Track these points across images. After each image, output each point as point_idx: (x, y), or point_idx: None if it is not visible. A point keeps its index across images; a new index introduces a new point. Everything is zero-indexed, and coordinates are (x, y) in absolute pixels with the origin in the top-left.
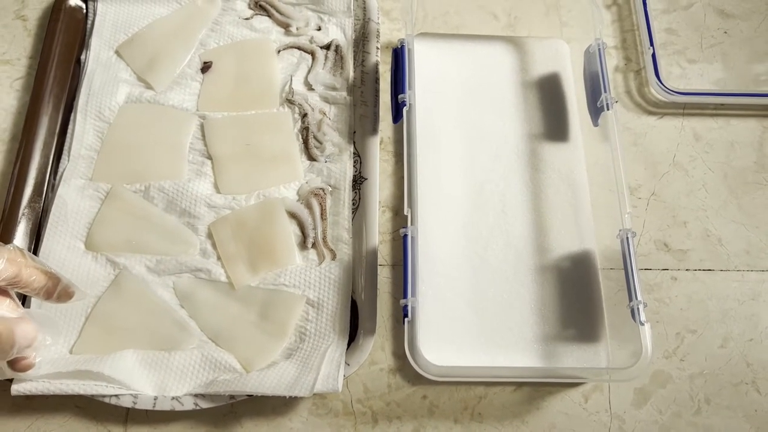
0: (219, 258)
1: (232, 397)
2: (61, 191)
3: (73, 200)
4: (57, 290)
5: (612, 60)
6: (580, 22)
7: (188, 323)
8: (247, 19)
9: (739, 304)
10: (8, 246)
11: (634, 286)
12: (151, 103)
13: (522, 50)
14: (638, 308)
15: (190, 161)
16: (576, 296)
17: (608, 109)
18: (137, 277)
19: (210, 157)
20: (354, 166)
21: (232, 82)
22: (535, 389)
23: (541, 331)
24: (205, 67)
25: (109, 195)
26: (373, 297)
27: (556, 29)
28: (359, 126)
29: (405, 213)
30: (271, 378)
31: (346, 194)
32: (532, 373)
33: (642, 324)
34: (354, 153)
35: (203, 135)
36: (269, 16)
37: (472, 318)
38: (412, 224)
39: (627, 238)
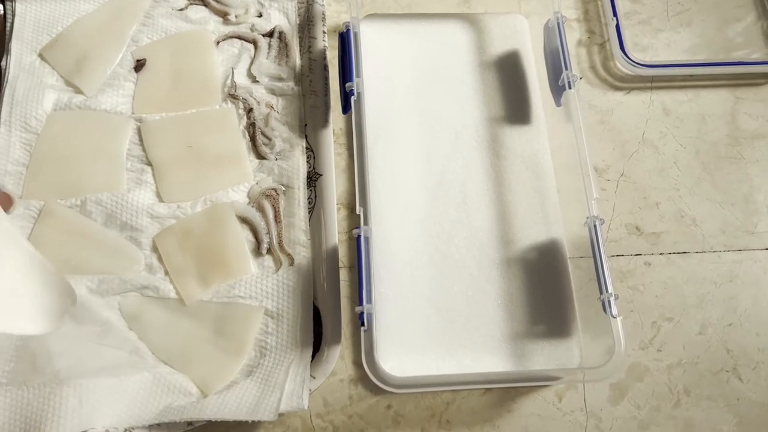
0: (166, 273)
1: (189, 423)
2: None
3: None
4: None
5: (574, 33)
6: None
7: (138, 346)
8: (181, 9)
9: (717, 287)
10: None
11: (604, 277)
12: (81, 109)
13: (478, 28)
14: (609, 301)
15: (129, 169)
16: (545, 289)
17: (570, 88)
18: (79, 299)
19: (150, 164)
20: (307, 161)
21: (168, 80)
22: (506, 391)
23: (509, 329)
24: (139, 66)
25: (42, 213)
26: (337, 303)
27: (514, 3)
28: (310, 118)
29: (357, 212)
30: (231, 401)
31: (301, 193)
32: (501, 377)
33: (614, 317)
34: (306, 148)
35: (141, 140)
36: (205, 5)
37: (435, 319)
38: (365, 224)
39: (595, 225)
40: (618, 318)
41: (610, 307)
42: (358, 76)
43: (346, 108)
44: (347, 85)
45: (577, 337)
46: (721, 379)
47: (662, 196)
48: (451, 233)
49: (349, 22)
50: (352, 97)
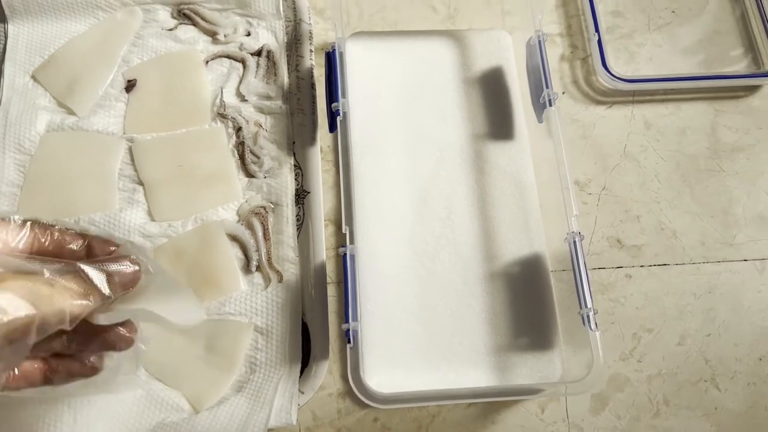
0: None
1: None
2: None
3: None
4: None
5: (557, 48)
6: (522, 10)
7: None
8: (171, 29)
9: (696, 298)
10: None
11: (584, 293)
12: (74, 129)
13: (463, 44)
14: (588, 316)
15: (121, 189)
16: (528, 303)
17: (551, 105)
18: None
19: (141, 183)
20: (295, 179)
21: (159, 100)
22: (490, 403)
23: (493, 343)
24: (130, 86)
25: None
26: (325, 319)
27: (498, 19)
28: (298, 136)
29: (343, 231)
30: (221, 418)
31: (289, 210)
32: (484, 392)
33: (593, 331)
34: (295, 165)
35: (132, 159)
36: (194, 24)
37: (421, 334)
38: (351, 242)
39: (575, 242)
40: (597, 332)
41: (589, 321)
42: (343, 96)
43: (332, 127)
44: (333, 105)
45: (559, 350)
46: (699, 389)
47: (643, 209)
48: (436, 249)
49: (334, 43)
50: (338, 117)
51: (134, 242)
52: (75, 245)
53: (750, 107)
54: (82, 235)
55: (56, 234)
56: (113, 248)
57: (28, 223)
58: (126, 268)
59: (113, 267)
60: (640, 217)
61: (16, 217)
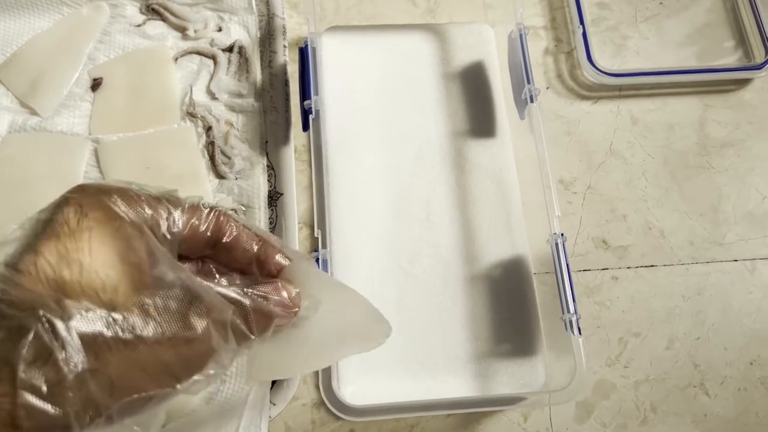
0: None
1: None
2: None
3: None
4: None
5: (541, 42)
6: (504, 2)
7: None
8: (139, 26)
9: (684, 300)
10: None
11: (566, 297)
12: (37, 131)
13: (443, 38)
14: (571, 321)
15: None
16: (510, 307)
17: (532, 102)
18: None
19: None
20: (268, 180)
21: (126, 99)
22: (471, 413)
23: (473, 349)
24: (95, 85)
25: None
26: None
27: (480, 12)
28: (271, 135)
29: (315, 235)
30: (188, 431)
31: (262, 213)
32: (464, 402)
33: (576, 335)
34: (267, 166)
35: (98, 162)
36: (163, 20)
37: (399, 340)
38: (323, 247)
39: (557, 244)
40: (580, 338)
41: (572, 326)
42: (316, 93)
43: (305, 126)
44: (305, 103)
45: (542, 355)
46: (688, 395)
47: (630, 207)
48: (414, 252)
49: (307, 38)
50: (311, 115)
51: (310, 259)
52: (248, 246)
53: (740, 101)
54: (258, 236)
55: (235, 229)
56: (286, 262)
57: (214, 212)
58: (284, 304)
59: (274, 297)
60: (626, 216)
61: (204, 202)
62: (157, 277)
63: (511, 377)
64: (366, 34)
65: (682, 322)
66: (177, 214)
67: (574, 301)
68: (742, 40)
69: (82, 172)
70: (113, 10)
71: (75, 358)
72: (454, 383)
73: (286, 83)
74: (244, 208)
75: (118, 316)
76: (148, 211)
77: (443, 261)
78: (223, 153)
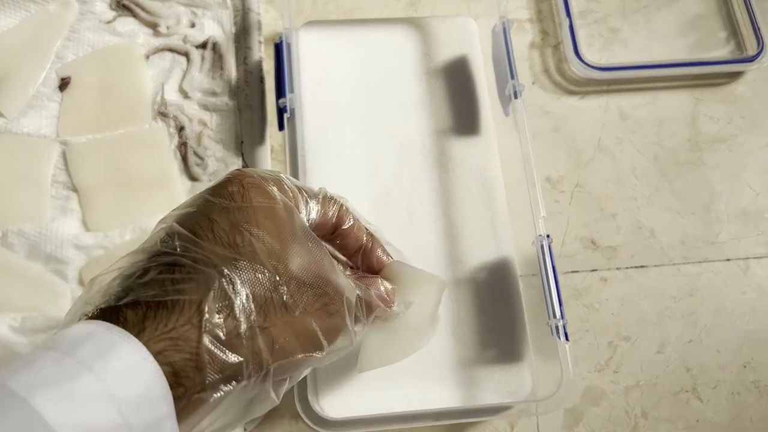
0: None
1: None
2: None
3: None
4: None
5: (527, 35)
6: None
7: None
8: (108, 22)
9: (676, 302)
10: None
11: (553, 302)
12: (2, 133)
13: (425, 32)
14: (558, 326)
15: (53, 197)
16: (495, 311)
17: (517, 98)
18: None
19: (76, 190)
20: None
21: (95, 99)
22: (456, 422)
23: (458, 356)
24: (63, 84)
25: None
26: None
27: (463, 5)
28: (247, 135)
29: None
30: None
31: None
32: (448, 413)
33: (563, 341)
34: (243, 167)
35: (66, 164)
36: (134, 16)
37: None
38: None
39: (542, 246)
40: (567, 344)
41: (558, 332)
42: (291, 91)
43: (281, 125)
44: (280, 101)
45: (529, 360)
46: (680, 400)
47: (619, 206)
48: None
49: (282, 33)
50: (285, 114)
51: (409, 265)
52: (359, 235)
53: (733, 95)
54: (368, 231)
55: (352, 219)
56: (386, 259)
57: (338, 203)
58: (384, 298)
59: (376, 291)
60: (615, 215)
61: (332, 194)
62: (309, 252)
63: (497, 383)
64: (345, 29)
65: (673, 324)
66: (312, 204)
67: (561, 305)
68: (733, 32)
69: (50, 176)
70: (82, 7)
71: (251, 313)
72: (438, 391)
73: (262, 80)
74: None
75: (282, 281)
76: (294, 199)
77: (426, 263)
78: (196, 154)
